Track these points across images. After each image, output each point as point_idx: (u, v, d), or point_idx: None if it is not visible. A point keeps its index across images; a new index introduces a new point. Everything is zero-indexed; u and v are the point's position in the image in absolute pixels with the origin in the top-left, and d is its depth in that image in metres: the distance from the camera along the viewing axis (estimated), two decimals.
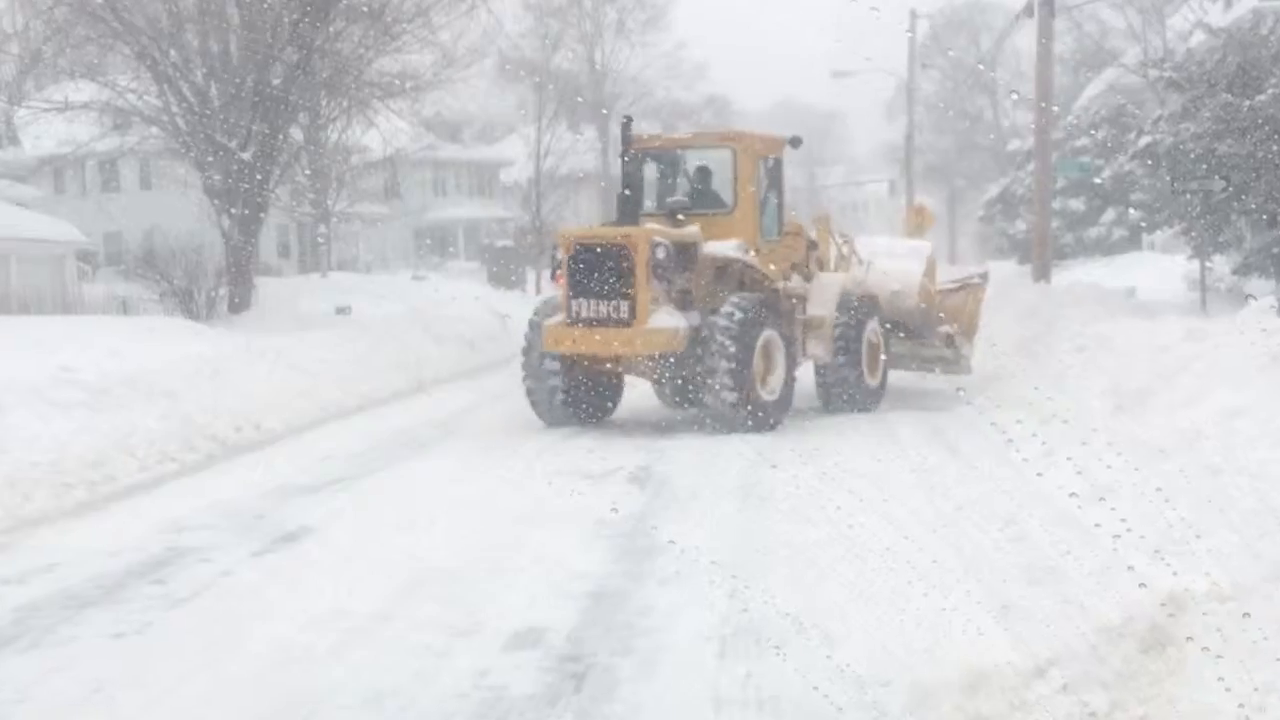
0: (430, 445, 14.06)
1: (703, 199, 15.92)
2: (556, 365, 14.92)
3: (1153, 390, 10.92)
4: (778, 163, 16.45)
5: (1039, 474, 9.33)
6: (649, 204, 15.80)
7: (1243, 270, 22.55)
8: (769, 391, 14.67)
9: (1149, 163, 21.55)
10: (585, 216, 64.50)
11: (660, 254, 14.35)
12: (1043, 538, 8.07)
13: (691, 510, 9.92)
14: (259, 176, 24.98)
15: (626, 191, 14.99)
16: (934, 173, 73.33)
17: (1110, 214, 41.27)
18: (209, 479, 12.35)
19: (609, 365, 14.95)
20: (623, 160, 15.20)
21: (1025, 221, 43.90)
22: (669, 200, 15.77)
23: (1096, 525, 7.73)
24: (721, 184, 15.97)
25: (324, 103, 41.92)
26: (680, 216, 15.29)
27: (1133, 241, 40.36)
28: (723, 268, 15.23)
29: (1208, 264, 24.67)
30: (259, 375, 18.80)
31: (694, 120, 73.34)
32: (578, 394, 15.14)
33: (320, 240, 45.84)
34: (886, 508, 9.46)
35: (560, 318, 14.78)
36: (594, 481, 11.37)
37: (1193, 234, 22.38)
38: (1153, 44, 46.17)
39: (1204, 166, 20.21)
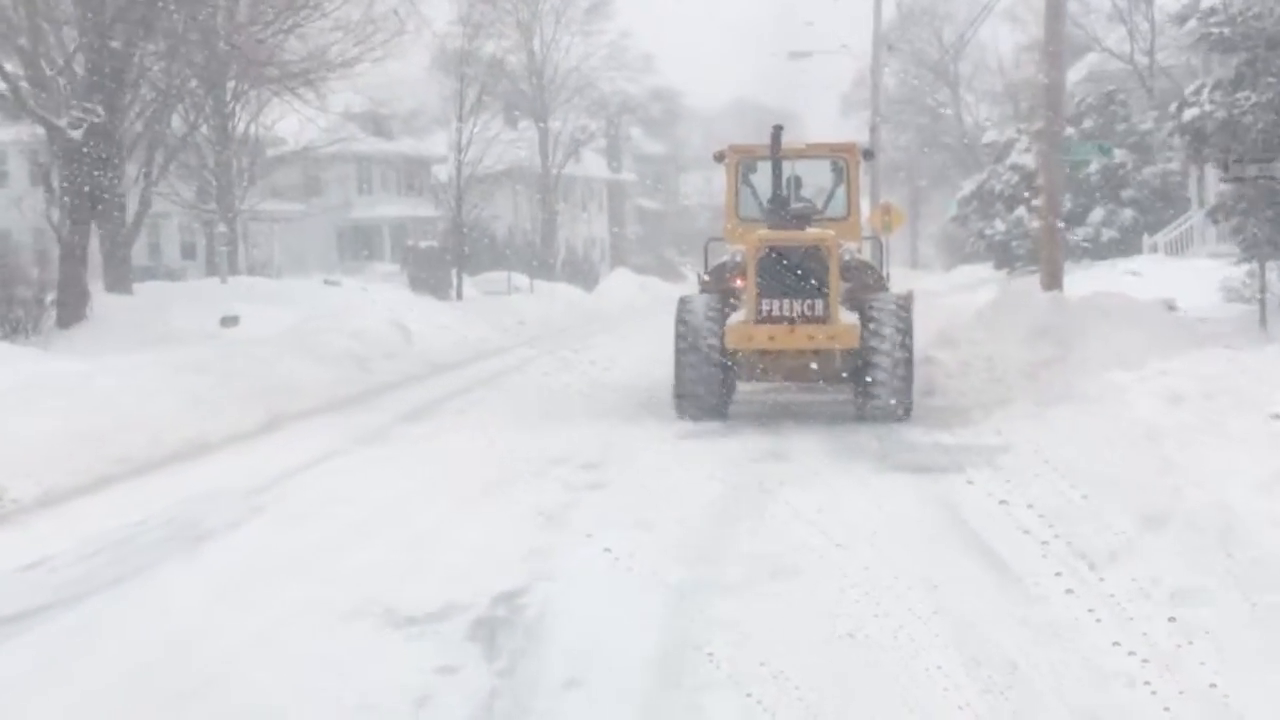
0: (214, 537, 9.44)
1: (824, 204, 17.21)
2: (719, 365, 15.22)
3: None
4: None
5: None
6: (757, 211, 16.82)
7: None
8: None
9: (1190, 140, 17.20)
10: (522, 214, 60.03)
11: (846, 256, 15.71)
12: None
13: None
14: (92, 157, 20.12)
15: (780, 194, 15.78)
16: (896, 171, 69.03)
17: (1099, 213, 36.89)
18: None
19: (787, 362, 15.48)
20: (774, 166, 15.78)
21: (1003, 221, 39.64)
22: (795, 205, 16.34)
23: None
24: (836, 190, 17.36)
25: (231, 86, 37.55)
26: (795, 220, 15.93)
27: (1125, 243, 35.95)
28: (849, 268, 16.10)
29: (1240, 270, 20.36)
30: (41, 416, 14.12)
31: (640, 115, 69.21)
32: (726, 392, 15.73)
33: (221, 241, 40.94)
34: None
35: (743, 316, 15.23)
36: (414, 632, 6.80)
37: (1247, 231, 17.97)
38: (1140, 27, 42.04)
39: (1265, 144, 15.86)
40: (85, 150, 20.10)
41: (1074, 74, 43.93)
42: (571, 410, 16.20)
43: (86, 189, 20.32)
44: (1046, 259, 19.67)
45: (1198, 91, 18.18)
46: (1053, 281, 19.10)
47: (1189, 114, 17.67)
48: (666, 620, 7.05)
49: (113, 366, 16.73)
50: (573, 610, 7.20)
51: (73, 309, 20.73)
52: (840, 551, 8.04)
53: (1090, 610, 6.32)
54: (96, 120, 20.01)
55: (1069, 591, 6.69)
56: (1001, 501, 9.35)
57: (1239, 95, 16.41)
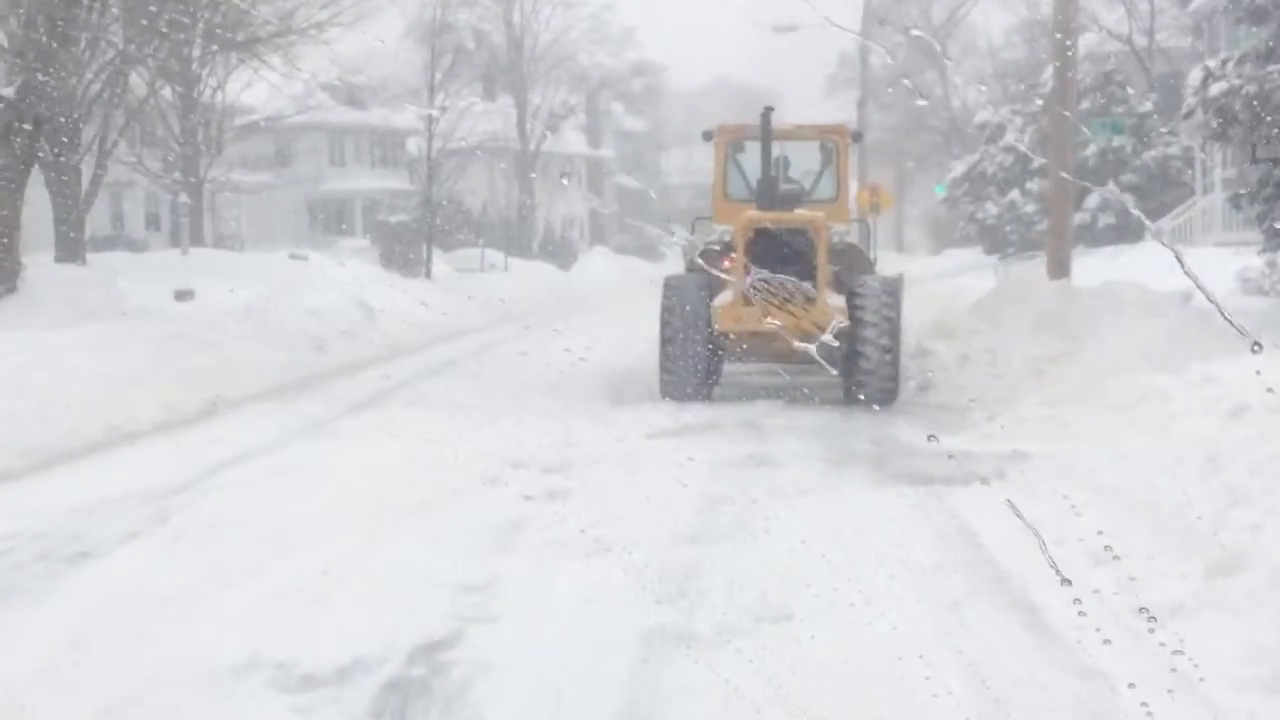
0: (94, 558, 7.95)
1: (812, 186, 17.22)
2: (706, 345, 15.03)
3: None
4: None
5: None
6: (745, 191, 16.75)
7: None
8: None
9: (1218, 120, 15.78)
10: (499, 190, 58.47)
11: (834, 238, 15.68)
12: None
13: None
14: (28, 119, 18.50)
15: (769, 175, 15.77)
16: (883, 152, 67.57)
17: (1094, 198, 35.44)
18: None
19: (775, 344, 14.63)
20: (763, 147, 15.76)
21: (996, 204, 38.31)
22: (783, 187, 16.28)
23: None
24: (824, 172, 17.35)
25: (198, 51, 35.98)
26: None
27: (1121, 230, 34.48)
28: (837, 251, 15.98)
29: (1260, 260, 19.00)
30: None
31: (620, 89, 67.73)
32: (712, 374, 15.64)
33: (183, 212, 39.36)
34: None
35: (730, 297, 15.06)
36: (306, 700, 5.39)
37: (1271, 219, 16.57)
38: (1139, 7, 40.67)
39: None
40: (20, 111, 18.56)
41: None
42: (537, 403, 14.84)
43: (19, 151, 18.74)
44: (1053, 245, 18.23)
45: (1223, 64, 16.76)
46: (1060, 269, 17.68)
47: (1216, 88, 16.20)
48: (630, 684, 5.66)
49: (29, 343, 15.19)
50: (511, 669, 5.79)
51: (1, 282, 19.13)
52: (839, 592, 6.63)
53: (1170, 693, 4.92)
54: (34, 79, 18.43)
55: (1133, 685, 5.26)
56: (1023, 530, 7.97)
57: (1270, 69, 15.01)
